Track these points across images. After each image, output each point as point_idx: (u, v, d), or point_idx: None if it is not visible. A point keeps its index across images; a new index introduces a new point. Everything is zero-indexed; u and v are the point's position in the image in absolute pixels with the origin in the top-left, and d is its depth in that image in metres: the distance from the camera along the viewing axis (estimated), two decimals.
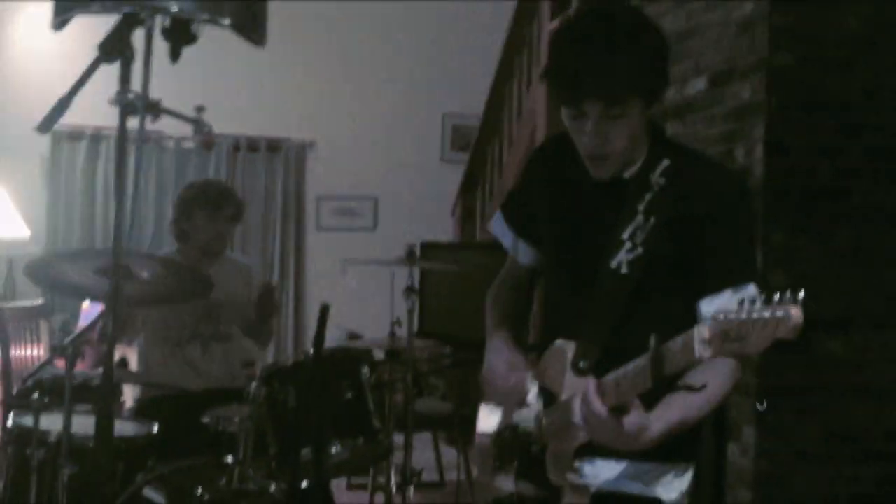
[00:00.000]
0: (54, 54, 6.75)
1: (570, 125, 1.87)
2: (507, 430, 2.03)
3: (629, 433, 1.67)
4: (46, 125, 1.99)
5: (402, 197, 7.51)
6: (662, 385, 1.60)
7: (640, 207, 1.86)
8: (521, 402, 1.99)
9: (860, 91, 3.43)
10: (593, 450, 1.80)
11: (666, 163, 1.89)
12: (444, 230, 7.27)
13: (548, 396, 1.91)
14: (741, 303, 1.40)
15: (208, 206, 3.66)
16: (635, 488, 1.91)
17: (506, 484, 2.02)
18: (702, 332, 1.46)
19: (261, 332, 3.91)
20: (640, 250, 1.84)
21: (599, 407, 1.65)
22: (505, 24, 6.48)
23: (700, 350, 1.46)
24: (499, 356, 2.05)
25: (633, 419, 1.66)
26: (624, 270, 1.85)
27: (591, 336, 1.86)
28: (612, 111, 1.79)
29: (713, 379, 1.73)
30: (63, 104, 1.94)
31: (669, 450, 1.79)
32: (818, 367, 3.38)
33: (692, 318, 1.81)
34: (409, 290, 3.22)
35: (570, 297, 1.99)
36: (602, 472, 1.92)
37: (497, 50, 6.59)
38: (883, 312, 3.45)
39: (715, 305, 1.78)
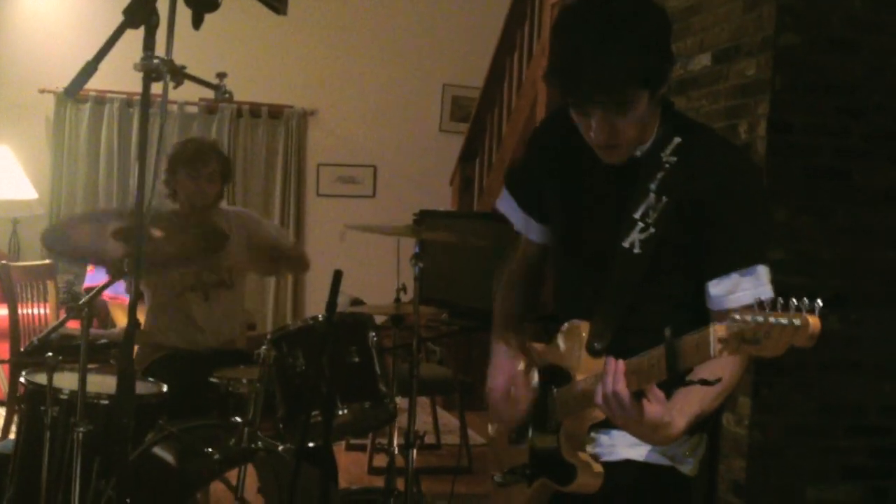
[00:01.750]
0: (60, 18, 6.75)
1: (577, 119, 1.86)
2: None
3: (649, 422, 1.67)
4: (73, 89, 2.03)
5: (402, 166, 7.55)
6: (677, 377, 1.61)
7: (652, 187, 1.85)
8: (521, 418, 2.01)
9: (864, 72, 3.47)
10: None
11: (677, 140, 1.87)
12: (442, 199, 7.32)
13: (561, 375, 1.92)
14: (760, 305, 1.40)
15: (187, 164, 3.70)
16: (652, 458, 1.93)
17: (519, 456, 2.04)
18: (718, 331, 1.46)
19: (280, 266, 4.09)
20: (652, 230, 1.83)
21: (623, 388, 1.66)
22: None
23: (715, 349, 1.47)
24: (499, 373, 2.06)
25: (655, 409, 1.66)
26: (637, 250, 1.84)
27: (605, 317, 1.86)
28: (617, 109, 1.77)
29: (726, 368, 1.73)
30: (89, 69, 1.97)
31: None
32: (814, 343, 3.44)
33: (704, 298, 1.84)
34: (417, 257, 3.25)
35: (582, 276, 1.98)
36: (619, 441, 1.93)
37: (498, 21, 6.61)
38: (878, 290, 3.52)
39: (722, 287, 1.80)
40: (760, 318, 1.39)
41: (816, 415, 3.47)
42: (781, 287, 3.36)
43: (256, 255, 3.85)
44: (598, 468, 1.86)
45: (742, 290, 1.80)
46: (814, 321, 1.35)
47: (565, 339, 1.93)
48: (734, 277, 1.80)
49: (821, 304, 1.37)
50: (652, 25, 1.77)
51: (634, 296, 1.85)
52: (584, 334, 1.87)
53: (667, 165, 1.85)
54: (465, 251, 5.20)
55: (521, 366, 2.05)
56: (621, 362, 1.68)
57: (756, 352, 1.42)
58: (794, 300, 1.37)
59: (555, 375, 1.94)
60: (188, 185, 3.70)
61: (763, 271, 1.81)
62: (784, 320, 1.36)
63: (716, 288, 1.82)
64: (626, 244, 1.85)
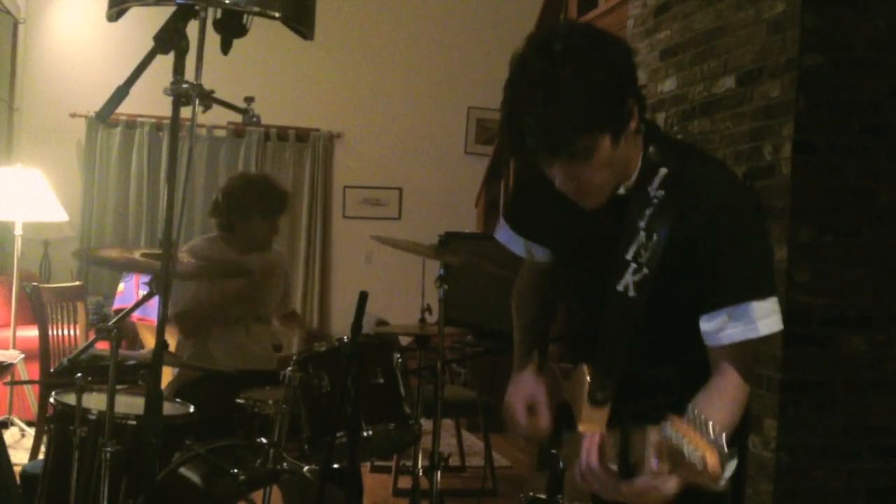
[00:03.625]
0: (92, 43, 6.85)
1: (545, 171, 1.75)
2: (546, 439, 2.02)
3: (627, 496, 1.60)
4: (105, 114, 2.07)
5: (427, 188, 7.58)
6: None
7: (641, 224, 1.76)
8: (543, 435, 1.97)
9: (888, 92, 3.46)
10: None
11: (663, 172, 1.77)
12: (468, 221, 7.34)
13: (571, 418, 1.84)
14: (693, 422, 1.39)
15: (269, 212, 3.72)
16: None
17: (540, 487, 2.02)
18: (651, 434, 1.46)
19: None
20: (645, 271, 1.75)
21: (595, 464, 1.65)
22: (532, 17, 6.52)
23: (650, 457, 1.46)
24: (519, 389, 1.98)
25: (627, 487, 1.59)
26: (631, 294, 1.76)
27: (605, 365, 1.79)
28: (575, 160, 1.66)
29: (725, 409, 1.71)
30: (121, 94, 2.01)
31: None
32: (840, 363, 3.43)
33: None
34: (442, 278, 3.27)
35: (584, 316, 1.95)
36: None
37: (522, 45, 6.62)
38: None
39: (713, 324, 1.75)
40: (682, 444, 1.37)
41: (842, 436, 3.44)
42: (807, 307, 3.38)
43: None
44: None
45: (731, 327, 1.74)
46: (711, 458, 1.33)
47: (573, 382, 1.86)
48: (723, 315, 1.74)
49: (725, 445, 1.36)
50: (601, 66, 1.64)
51: (633, 341, 1.78)
52: (587, 381, 1.79)
53: (655, 200, 1.76)
54: (489, 273, 5.20)
55: (543, 383, 1.98)
56: (596, 439, 1.67)
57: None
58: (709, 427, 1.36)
59: (566, 416, 1.89)
60: (262, 229, 3.73)
61: (756, 307, 1.73)
62: (693, 454, 1.35)
63: (707, 324, 1.76)
64: (620, 287, 1.78)
